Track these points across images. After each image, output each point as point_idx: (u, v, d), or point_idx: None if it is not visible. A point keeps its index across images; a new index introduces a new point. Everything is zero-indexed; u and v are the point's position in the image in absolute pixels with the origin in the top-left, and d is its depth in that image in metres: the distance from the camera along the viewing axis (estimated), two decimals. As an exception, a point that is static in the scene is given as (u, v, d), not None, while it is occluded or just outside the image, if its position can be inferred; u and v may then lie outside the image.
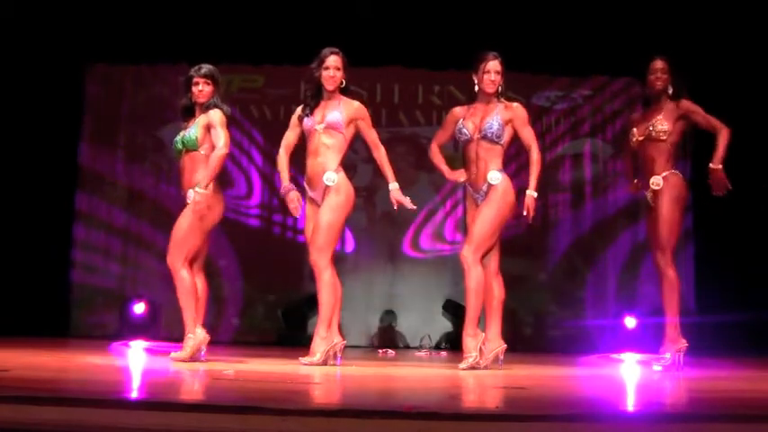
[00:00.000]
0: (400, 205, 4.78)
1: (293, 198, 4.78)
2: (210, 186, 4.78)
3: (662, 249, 4.96)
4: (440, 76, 8.29)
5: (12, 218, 7.72)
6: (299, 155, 4.94)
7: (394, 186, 4.78)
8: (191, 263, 4.82)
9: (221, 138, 4.80)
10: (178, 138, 4.93)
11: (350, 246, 8.16)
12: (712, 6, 7.24)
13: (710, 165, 4.90)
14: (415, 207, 4.76)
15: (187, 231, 4.77)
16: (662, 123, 5.01)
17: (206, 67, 4.96)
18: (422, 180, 8.21)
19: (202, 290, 4.90)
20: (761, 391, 3.87)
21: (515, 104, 4.85)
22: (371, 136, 4.87)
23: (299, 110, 4.94)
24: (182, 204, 4.98)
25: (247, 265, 8.19)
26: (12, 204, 7.73)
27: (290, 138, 4.98)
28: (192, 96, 4.94)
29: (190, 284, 4.77)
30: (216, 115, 4.87)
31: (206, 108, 4.91)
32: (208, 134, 4.87)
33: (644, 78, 5.14)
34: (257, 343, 7.47)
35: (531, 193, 4.70)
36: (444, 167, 5.03)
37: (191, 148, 4.85)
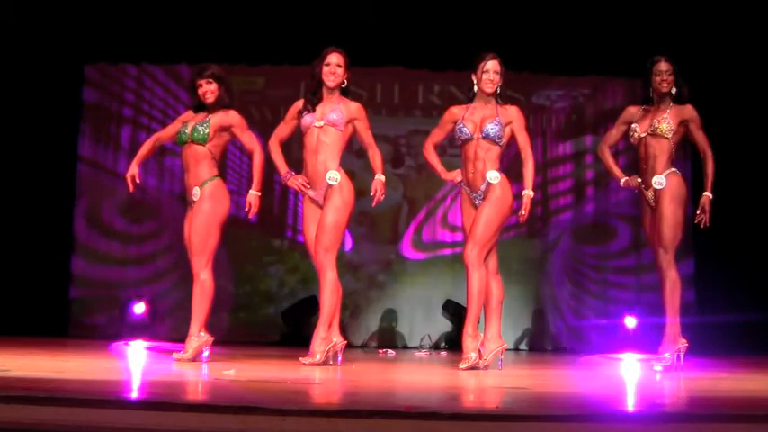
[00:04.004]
0: (378, 198, 4.75)
1: (298, 180, 4.80)
2: (219, 184, 4.88)
3: (665, 249, 4.93)
4: (440, 77, 8.28)
5: (12, 218, 7.72)
6: (297, 154, 4.94)
7: (380, 177, 4.78)
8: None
9: (253, 140, 4.93)
10: (185, 128, 4.90)
11: (349, 245, 8.15)
12: (710, 4, 7.24)
13: (707, 194, 4.91)
14: (374, 205, 4.78)
15: (206, 233, 4.79)
16: (668, 122, 4.99)
17: (209, 68, 4.94)
18: (421, 179, 8.21)
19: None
20: (761, 391, 3.86)
21: (514, 107, 4.83)
22: (368, 137, 4.87)
23: (299, 103, 4.93)
24: (183, 203, 4.98)
25: (247, 265, 8.18)
26: (12, 204, 7.73)
27: (283, 131, 4.99)
28: (202, 99, 4.91)
29: (209, 288, 4.79)
30: (236, 119, 4.90)
31: (220, 107, 4.90)
32: (220, 133, 4.89)
33: (645, 78, 5.10)
34: (257, 343, 7.46)
35: (528, 192, 4.70)
36: (440, 167, 5.02)
37: (198, 142, 4.85)
